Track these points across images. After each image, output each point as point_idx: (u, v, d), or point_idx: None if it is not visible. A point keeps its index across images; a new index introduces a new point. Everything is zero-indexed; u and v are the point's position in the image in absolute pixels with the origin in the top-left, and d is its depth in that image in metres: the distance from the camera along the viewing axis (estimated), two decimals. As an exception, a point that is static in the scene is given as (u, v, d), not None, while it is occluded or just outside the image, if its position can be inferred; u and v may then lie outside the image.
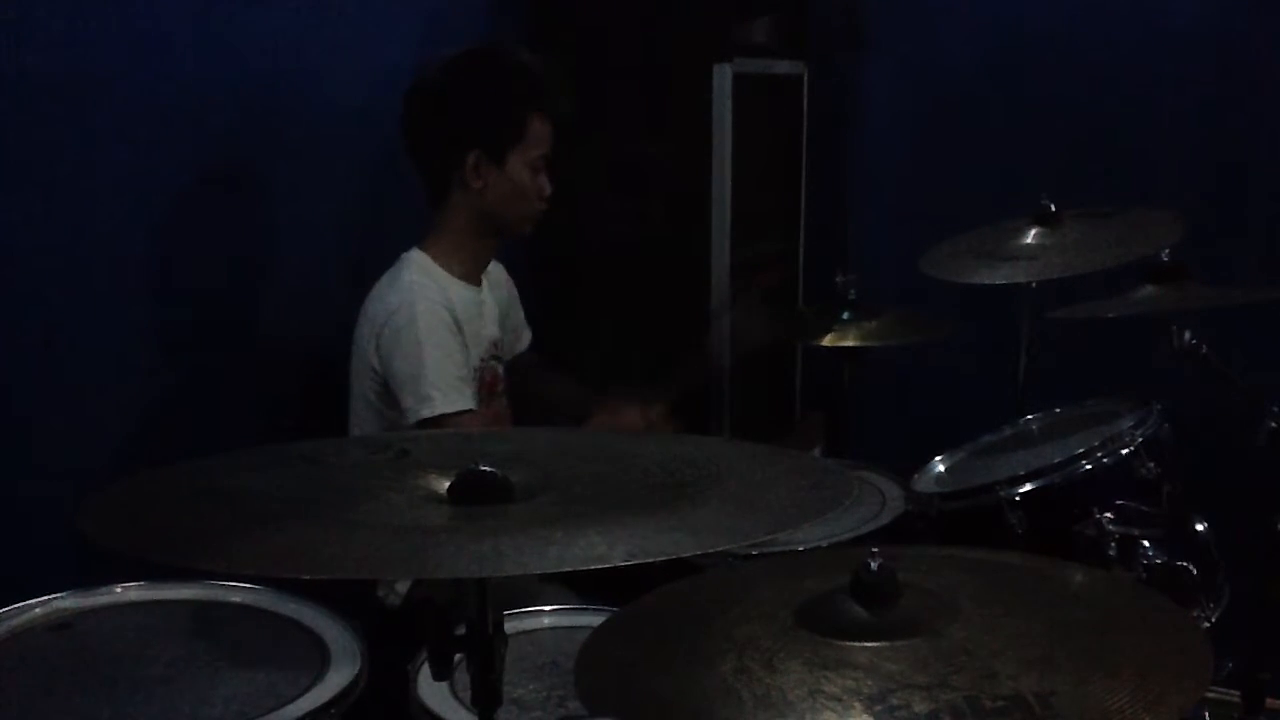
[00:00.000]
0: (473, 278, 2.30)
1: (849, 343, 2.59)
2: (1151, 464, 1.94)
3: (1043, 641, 1.10)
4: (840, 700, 1.02)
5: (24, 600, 1.52)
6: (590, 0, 2.85)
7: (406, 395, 2.10)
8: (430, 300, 2.15)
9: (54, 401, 1.96)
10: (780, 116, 3.08)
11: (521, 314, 2.54)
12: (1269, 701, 1.87)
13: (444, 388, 2.10)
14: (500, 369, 2.37)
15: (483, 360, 2.29)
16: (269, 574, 1.01)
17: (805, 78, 3.11)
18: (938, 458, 2.25)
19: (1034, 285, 2.40)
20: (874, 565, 1.14)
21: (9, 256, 1.89)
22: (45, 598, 1.53)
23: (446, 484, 1.17)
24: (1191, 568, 1.87)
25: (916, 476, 2.21)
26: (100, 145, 2.00)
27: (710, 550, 1.04)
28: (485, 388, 2.28)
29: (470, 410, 2.12)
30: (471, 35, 2.70)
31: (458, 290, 2.23)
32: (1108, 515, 1.90)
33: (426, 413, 2.08)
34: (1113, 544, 1.88)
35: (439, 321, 2.14)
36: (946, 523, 2.04)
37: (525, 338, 2.55)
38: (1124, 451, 1.94)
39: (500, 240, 2.34)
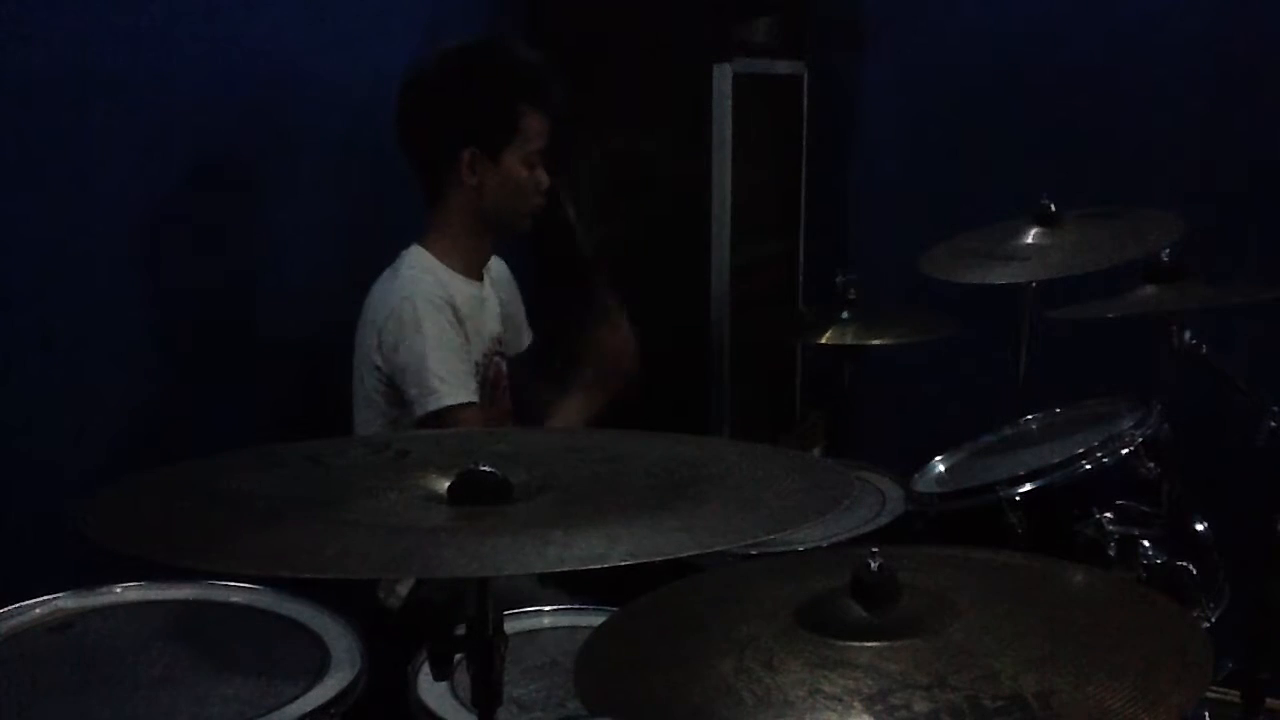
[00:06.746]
0: (473, 273, 2.30)
1: (849, 342, 2.59)
2: (1151, 464, 1.94)
3: (1043, 641, 1.10)
4: (840, 700, 1.02)
5: (24, 600, 1.52)
6: (590, 0, 2.85)
7: (411, 388, 2.10)
8: (431, 294, 2.15)
9: (54, 401, 1.96)
10: (780, 116, 3.08)
11: (523, 313, 2.53)
12: (1269, 701, 1.87)
13: (449, 379, 2.09)
14: (504, 365, 2.37)
15: (486, 355, 2.28)
16: (269, 574, 1.01)
17: (805, 78, 3.11)
18: (938, 458, 2.25)
19: (1034, 285, 2.40)
20: (874, 565, 1.14)
21: (9, 256, 1.89)
22: (45, 598, 1.53)
23: (446, 484, 1.17)
24: (1191, 568, 1.87)
25: (916, 476, 2.20)
26: (100, 145, 2.00)
27: (710, 550, 1.04)
28: (489, 384, 2.28)
29: (473, 403, 2.12)
30: (471, 34, 2.70)
31: (459, 285, 2.23)
32: (1108, 515, 1.90)
33: (433, 405, 2.07)
34: (1113, 544, 1.88)
35: (441, 315, 2.14)
36: (946, 523, 2.04)
37: (526, 338, 2.55)
38: (1124, 451, 1.94)
39: (499, 236, 2.34)
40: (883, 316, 2.62)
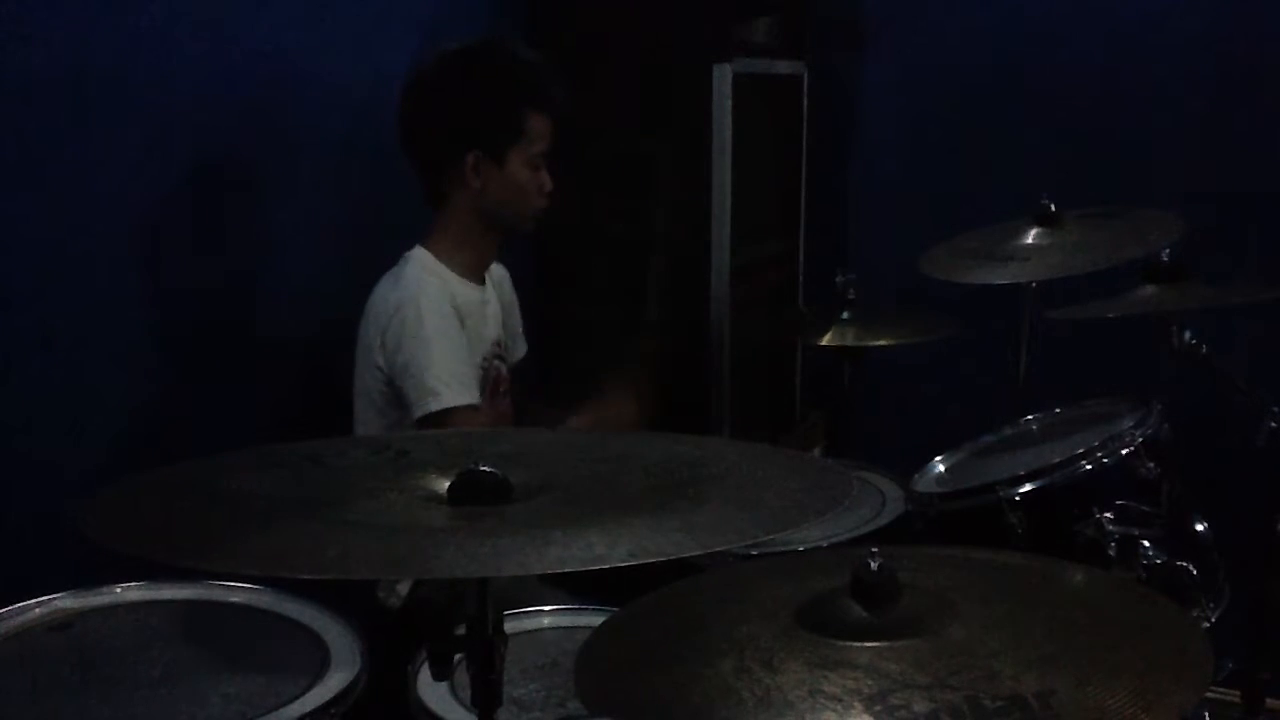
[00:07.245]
0: (476, 276, 2.30)
1: (849, 342, 2.59)
2: (1151, 464, 1.94)
3: (1043, 641, 1.10)
4: (840, 700, 1.02)
5: (24, 600, 1.52)
6: (590, 0, 2.85)
7: (411, 389, 2.10)
8: (434, 295, 2.15)
9: (54, 401, 1.96)
10: (780, 116, 3.08)
11: (520, 323, 2.53)
12: (1269, 701, 1.88)
13: (450, 381, 2.09)
14: (504, 368, 2.37)
15: (486, 359, 2.29)
16: (269, 574, 1.01)
17: (805, 78, 3.11)
18: (938, 458, 2.25)
19: (1034, 285, 2.40)
20: (874, 565, 1.14)
21: (9, 256, 1.89)
22: (45, 598, 1.53)
23: (446, 484, 1.17)
24: (1191, 568, 1.87)
25: (916, 476, 2.20)
26: (101, 145, 2.00)
27: (710, 550, 1.04)
28: (490, 386, 2.28)
29: (473, 405, 2.12)
30: (471, 35, 2.70)
31: (461, 288, 2.24)
32: (1108, 515, 1.90)
33: (433, 406, 2.08)
34: (1113, 544, 1.87)
35: (444, 316, 2.14)
36: (946, 523, 2.04)
37: (520, 348, 2.54)
38: (1124, 451, 1.94)
39: (502, 238, 2.35)
40: (883, 316, 2.62)
